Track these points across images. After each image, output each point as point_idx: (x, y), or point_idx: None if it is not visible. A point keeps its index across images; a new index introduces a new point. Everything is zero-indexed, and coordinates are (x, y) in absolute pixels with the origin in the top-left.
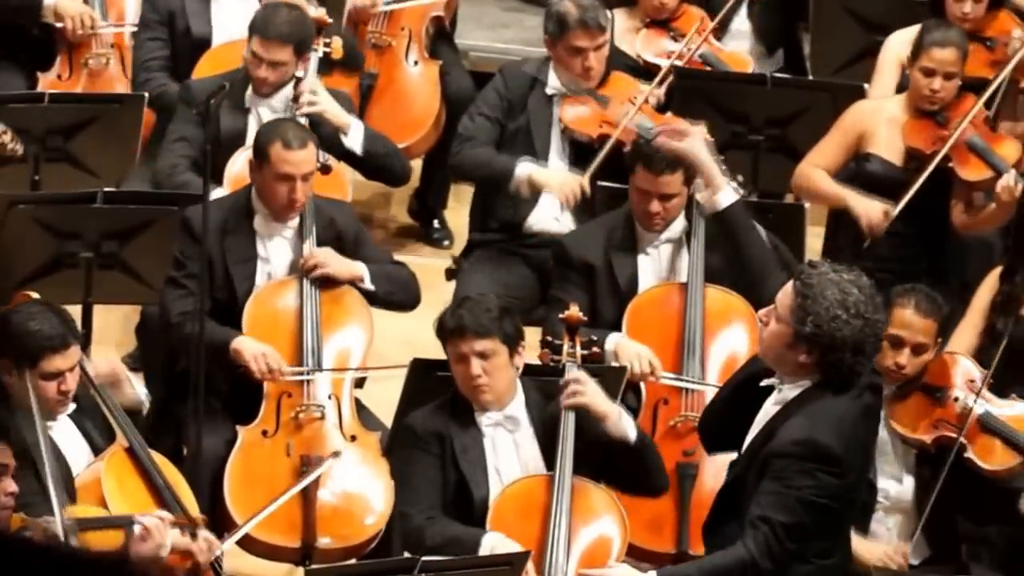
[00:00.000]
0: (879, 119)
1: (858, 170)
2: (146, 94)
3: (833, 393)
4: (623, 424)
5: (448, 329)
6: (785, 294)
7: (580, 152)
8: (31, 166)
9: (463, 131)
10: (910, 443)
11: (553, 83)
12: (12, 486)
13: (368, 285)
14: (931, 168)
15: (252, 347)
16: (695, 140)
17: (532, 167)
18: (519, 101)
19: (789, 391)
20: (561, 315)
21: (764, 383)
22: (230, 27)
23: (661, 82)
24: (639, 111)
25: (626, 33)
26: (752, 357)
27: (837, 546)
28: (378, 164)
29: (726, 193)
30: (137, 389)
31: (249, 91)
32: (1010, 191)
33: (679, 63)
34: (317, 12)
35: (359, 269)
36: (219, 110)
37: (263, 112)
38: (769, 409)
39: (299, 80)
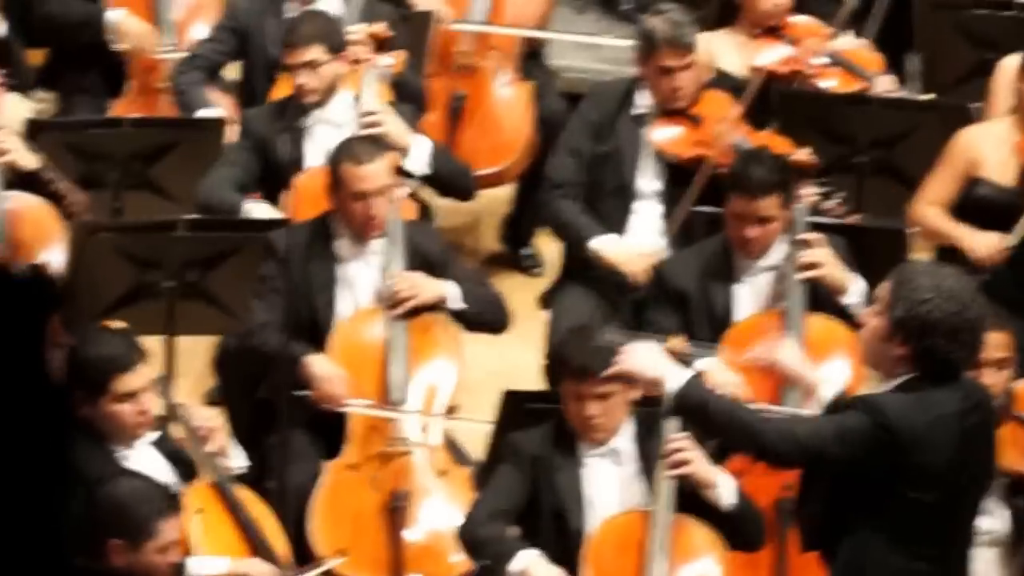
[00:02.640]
0: (987, 143)
1: (968, 195)
2: (224, 116)
3: (930, 385)
4: (724, 492)
5: (571, 367)
6: (882, 287)
7: (674, 174)
8: (111, 193)
9: (551, 173)
10: (1004, 475)
11: (642, 103)
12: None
13: (456, 305)
14: None
15: (322, 368)
16: (785, 353)
17: (604, 244)
18: (607, 123)
19: (886, 387)
20: (664, 345)
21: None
22: None
23: (758, 90)
24: (733, 129)
25: (731, 52)
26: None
27: (932, 546)
28: (441, 181)
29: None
30: (236, 459)
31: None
32: None
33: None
34: (376, 27)
35: (446, 289)
36: (275, 137)
37: (319, 131)
38: None
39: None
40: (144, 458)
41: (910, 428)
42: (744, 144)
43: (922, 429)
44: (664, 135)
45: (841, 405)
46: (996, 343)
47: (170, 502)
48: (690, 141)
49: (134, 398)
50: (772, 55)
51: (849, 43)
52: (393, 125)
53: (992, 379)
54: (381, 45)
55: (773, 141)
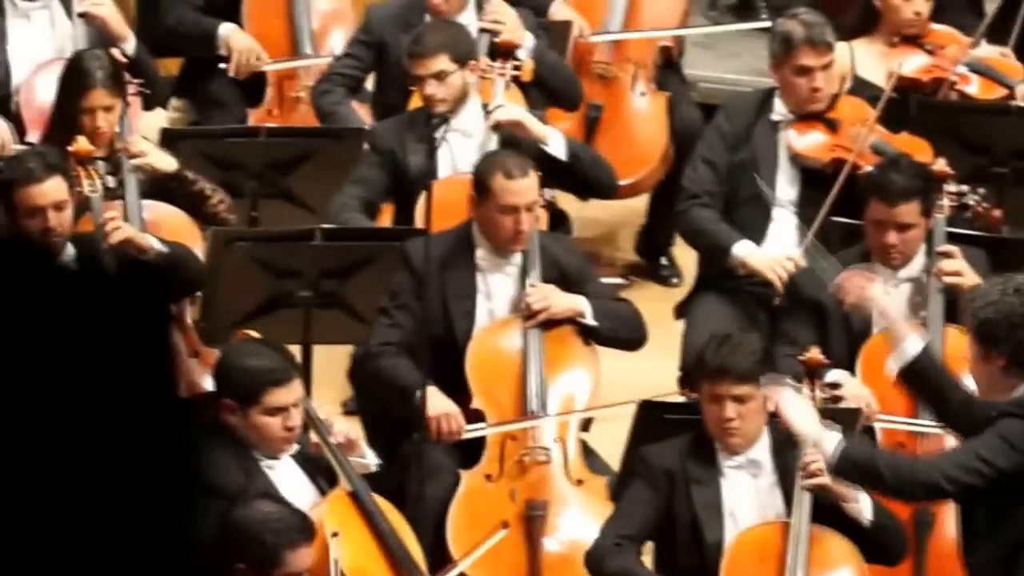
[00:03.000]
0: None
1: None
2: (365, 126)
3: None
4: (862, 506)
5: (708, 369)
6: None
7: (811, 179)
8: (248, 202)
9: (687, 183)
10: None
11: (779, 110)
12: None
13: (590, 321)
14: None
15: (435, 405)
16: (876, 289)
17: (748, 249)
18: (743, 133)
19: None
20: (801, 357)
21: None
22: None
23: (896, 96)
24: (872, 132)
25: (870, 60)
26: None
27: None
28: (584, 171)
29: (912, 342)
30: (368, 458)
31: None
32: None
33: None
34: (511, 35)
35: (581, 304)
36: (405, 149)
37: (453, 139)
38: None
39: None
40: (286, 471)
41: None
42: (882, 146)
43: None
44: (802, 140)
45: (981, 417)
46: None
47: (302, 532)
48: (828, 145)
49: (284, 412)
50: (911, 63)
51: (990, 51)
52: (526, 116)
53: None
54: (508, 53)
55: (911, 143)
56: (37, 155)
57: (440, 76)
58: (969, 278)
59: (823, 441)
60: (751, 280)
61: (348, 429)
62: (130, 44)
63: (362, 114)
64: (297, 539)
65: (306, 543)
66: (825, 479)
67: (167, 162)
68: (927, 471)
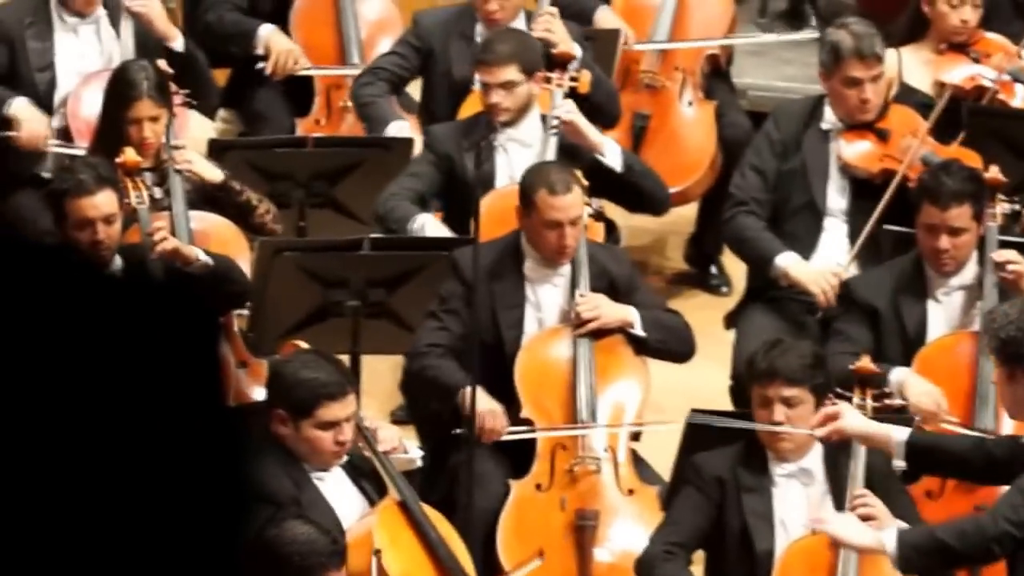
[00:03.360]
0: None
1: None
2: (414, 139)
3: None
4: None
5: (758, 371)
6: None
7: (861, 189)
8: (296, 212)
9: (734, 190)
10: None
11: (829, 118)
12: None
13: (639, 331)
14: None
15: (483, 401)
16: (847, 418)
17: (790, 261)
18: (792, 141)
19: None
20: (852, 366)
21: None
22: None
23: (944, 109)
24: (923, 144)
25: (917, 67)
26: None
27: None
28: (637, 184)
29: (898, 433)
30: (412, 452)
31: (495, 134)
32: None
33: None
34: (565, 46)
35: (630, 315)
36: (462, 154)
37: (511, 148)
38: None
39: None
40: (336, 482)
41: None
42: (933, 158)
43: None
44: (852, 150)
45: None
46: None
47: (331, 557)
48: (878, 155)
49: (336, 427)
50: (958, 71)
51: None
52: (584, 122)
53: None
54: (565, 64)
55: (962, 154)
56: (89, 166)
57: (508, 86)
58: None
59: (884, 543)
60: (796, 293)
61: (394, 436)
62: (179, 42)
63: (410, 123)
64: (325, 563)
65: (335, 568)
66: (873, 524)
67: (213, 172)
68: (992, 525)
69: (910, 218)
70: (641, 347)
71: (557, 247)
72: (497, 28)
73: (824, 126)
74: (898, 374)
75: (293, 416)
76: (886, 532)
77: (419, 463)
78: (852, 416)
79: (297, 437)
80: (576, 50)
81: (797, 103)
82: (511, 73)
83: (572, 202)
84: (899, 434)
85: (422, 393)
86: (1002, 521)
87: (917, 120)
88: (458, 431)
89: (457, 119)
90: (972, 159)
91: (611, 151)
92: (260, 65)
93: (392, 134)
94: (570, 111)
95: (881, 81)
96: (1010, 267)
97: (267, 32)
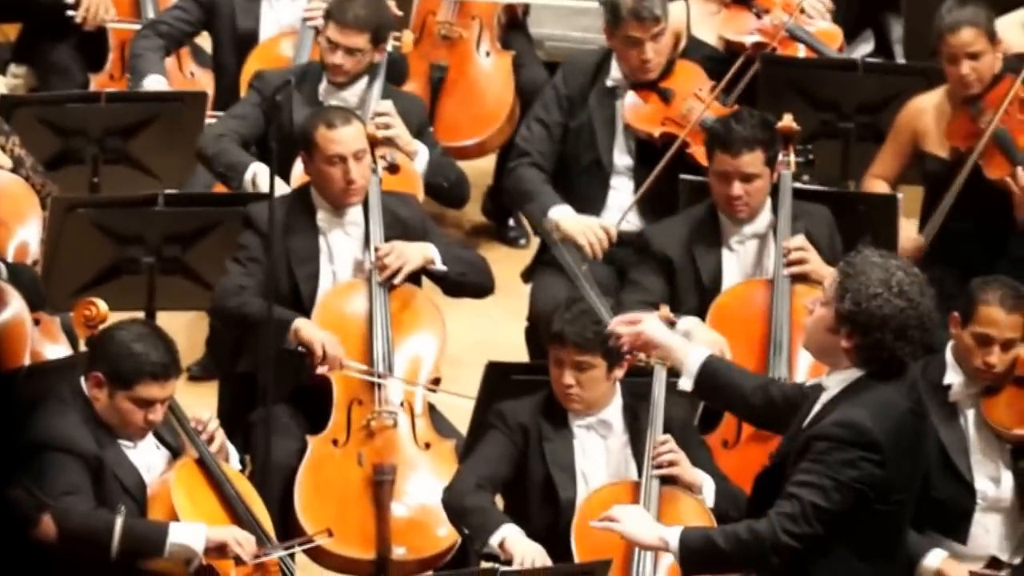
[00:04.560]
0: (929, 115)
1: (921, 169)
2: (208, 92)
3: (880, 382)
4: (707, 495)
5: (551, 333)
6: (830, 277)
7: (645, 150)
8: (90, 168)
9: (520, 141)
10: (1008, 439)
11: (614, 75)
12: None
13: (440, 266)
14: (964, 173)
15: (316, 330)
16: (649, 323)
17: (562, 214)
18: (579, 96)
19: (835, 385)
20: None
21: (811, 382)
22: (279, 24)
23: (736, 74)
24: (707, 109)
25: (703, 19)
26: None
27: (889, 552)
28: (438, 193)
29: (695, 355)
30: (233, 460)
31: (323, 84)
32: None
33: (764, 39)
34: (404, 143)
35: (430, 251)
36: (291, 105)
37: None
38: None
39: None
40: (145, 449)
41: (885, 437)
42: (712, 122)
43: (891, 436)
44: (633, 111)
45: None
46: (1008, 324)
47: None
48: (659, 118)
49: (150, 407)
50: (740, 27)
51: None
52: (400, 128)
53: (996, 359)
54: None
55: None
56: None
57: (354, 52)
58: (814, 263)
59: (668, 542)
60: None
61: (219, 440)
62: None
63: (205, 79)
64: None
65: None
66: (674, 469)
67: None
68: (771, 535)
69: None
70: (442, 283)
71: (344, 183)
72: None
73: (609, 83)
74: (684, 323)
75: (111, 383)
76: (671, 532)
77: (237, 468)
78: (653, 323)
79: (109, 404)
80: (414, 144)
81: (586, 56)
82: (361, 41)
83: (352, 135)
84: (697, 354)
85: (240, 330)
86: (781, 533)
87: (702, 78)
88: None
89: (234, 74)
90: None
91: (420, 159)
92: (71, 13)
93: (147, 87)
94: (388, 124)
95: (663, 40)
96: (793, 255)
97: None
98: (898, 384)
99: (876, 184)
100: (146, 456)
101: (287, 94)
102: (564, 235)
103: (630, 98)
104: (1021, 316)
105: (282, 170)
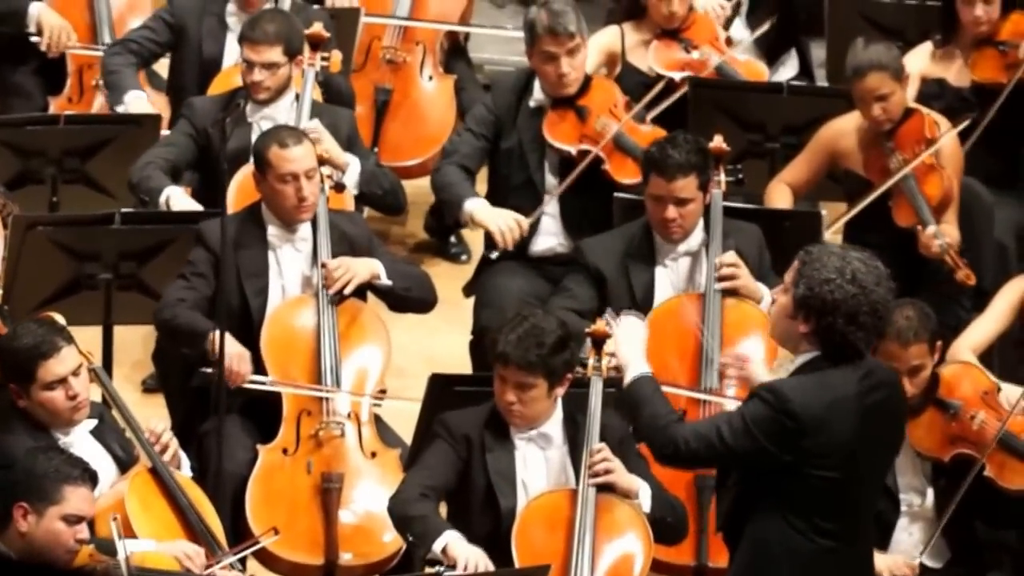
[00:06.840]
0: (850, 137)
1: (846, 187)
2: (162, 115)
3: (830, 365)
4: (643, 500)
5: (496, 352)
6: (791, 267)
7: (567, 168)
8: (48, 188)
9: (447, 145)
10: (926, 458)
11: (537, 95)
12: (84, 533)
13: (385, 281)
14: (866, 202)
15: (231, 346)
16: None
17: (477, 206)
18: (508, 117)
19: (793, 365)
20: (587, 329)
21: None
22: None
23: (657, 98)
24: (614, 122)
25: (636, 47)
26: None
27: (847, 535)
28: (373, 201)
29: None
30: (184, 467)
31: (249, 105)
32: (930, 247)
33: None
34: (315, 28)
35: (376, 267)
36: (216, 128)
37: (265, 126)
38: None
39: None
40: (83, 444)
41: (811, 411)
42: (626, 139)
43: (822, 411)
44: (553, 128)
45: (752, 392)
46: (909, 356)
47: (82, 474)
48: (576, 135)
49: (63, 383)
50: (669, 60)
51: (743, 43)
52: (330, 143)
53: (908, 385)
54: (317, 45)
55: (656, 135)
56: None
57: (271, 66)
58: (745, 279)
59: (628, 368)
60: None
61: (172, 449)
62: None
63: (160, 103)
64: (77, 478)
65: (85, 484)
66: (610, 477)
67: None
68: (675, 430)
69: (607, 195)
70: (387, 297)
71: (296, 201)
72: (253, 10)
73: (532, 103)
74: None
75: (22, 385)
76: (637, 365)
77: (189, 475)
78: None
79: (33, 404)
80: (345, 157)
81: (510, 77)
82: (275, 55)
83: (303, 154)
84: (636, 370)
85: (172, 341)
86: (680, 436)
87: (617, 95)
88: (205, 370)
89: (212, 95)
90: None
91: (351, 171)
92: (35, 39)
93: (129, 102)
94: (316, 140)
95: (578, 55)
96: (724, 271)
97: (38, 10)
98: (850, 369)
99: (780, 188)
100: (84, 449)
101: (235, 115)
102: (478, 224)
103: (551, 117)
104: (921, 343)
105: (215, 194)
